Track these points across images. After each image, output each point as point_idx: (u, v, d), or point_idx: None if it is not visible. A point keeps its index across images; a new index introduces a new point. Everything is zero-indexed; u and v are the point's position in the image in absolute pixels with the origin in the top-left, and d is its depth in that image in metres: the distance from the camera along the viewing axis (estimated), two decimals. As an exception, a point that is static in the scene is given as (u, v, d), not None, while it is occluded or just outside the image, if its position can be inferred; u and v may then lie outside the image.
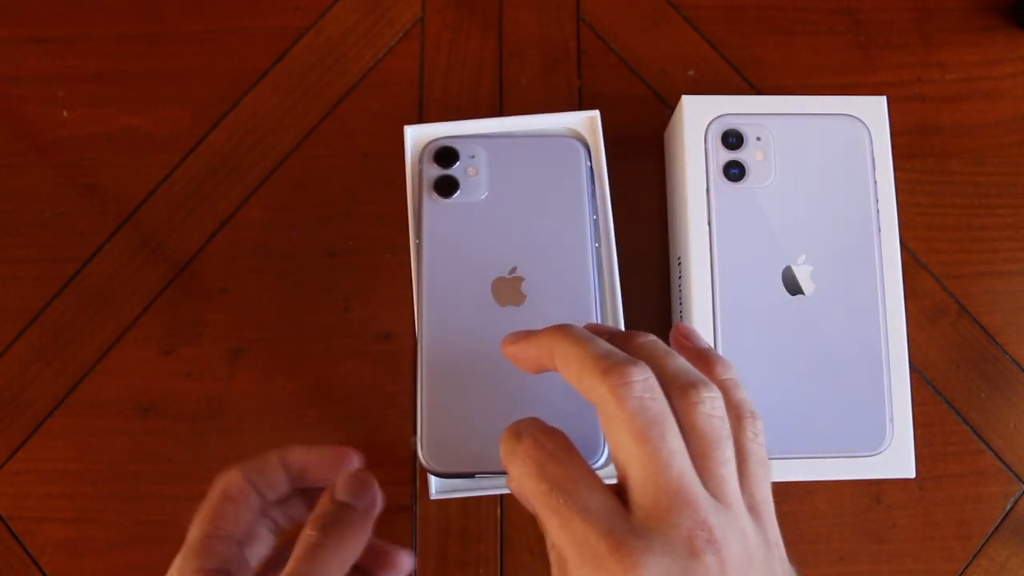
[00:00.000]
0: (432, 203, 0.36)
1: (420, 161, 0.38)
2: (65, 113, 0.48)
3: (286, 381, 0.45)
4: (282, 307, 0.46)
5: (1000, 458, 0.45)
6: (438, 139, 0.38)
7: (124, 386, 0.45)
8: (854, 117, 0.42)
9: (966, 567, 0.45)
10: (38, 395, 0.45)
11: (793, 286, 0.41)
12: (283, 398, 0.45)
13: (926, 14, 0.50)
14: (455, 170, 0.37)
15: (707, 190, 0.42)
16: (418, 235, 0.36)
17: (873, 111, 0.42)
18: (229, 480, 0.30)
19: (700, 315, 0.41)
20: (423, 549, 0.44)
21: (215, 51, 0.49)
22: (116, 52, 0.49)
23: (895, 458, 0.40)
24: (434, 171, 0.37)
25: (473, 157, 0.37)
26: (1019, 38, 0.49)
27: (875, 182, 0.42)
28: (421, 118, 0.48)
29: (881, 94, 0.43)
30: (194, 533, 0.29)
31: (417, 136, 0.40)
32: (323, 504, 0.29)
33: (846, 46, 0.49)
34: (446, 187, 0.36)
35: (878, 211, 0.42)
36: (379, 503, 0.29)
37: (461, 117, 0.45)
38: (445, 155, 0.37)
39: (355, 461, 0.31)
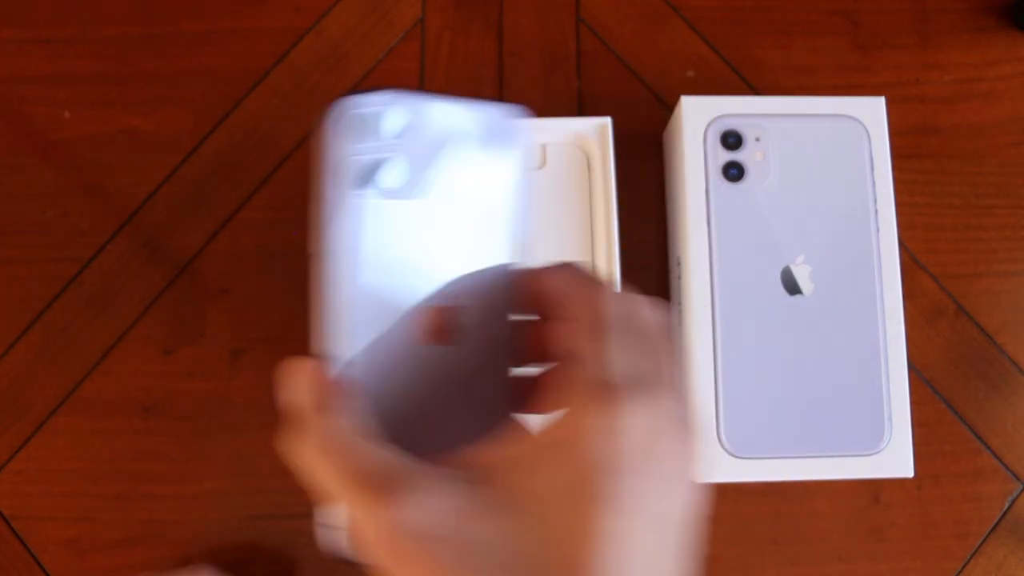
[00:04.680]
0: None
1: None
2: (67, 114, 0.48)
3: (287, 381, 0.45)
4: (283, 307, 0.46)
5: (998, 457, 0.46)
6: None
7: (125, 386, 0.45)
8: (853, 118, 0.42)
9: (964, 566, 0.45)
10: (40, 395, 0.45)
11: (792, 286, 0.41)
12: (284, 398, 0.45)
13: (924, 15, 0.50)
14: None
15: (706, 190, 0.42)
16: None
17: (871, 112, 0.43)
18: None
19: (699, 315, 0.41)
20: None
21: (216, 52, 0.49)
22: (117, 53, 0.49)
23: (893, 457, 0.40)
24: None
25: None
26: (1017, 39, 0.50)
27: (873, 182, 0.42)
28: (421, 119, 0.48)
29: (879, 95, 0.43)
30: None
31: None
32: None
33: (845, 47, 0.49)
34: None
35: (876, 211, 0.42)
36: None
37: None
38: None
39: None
